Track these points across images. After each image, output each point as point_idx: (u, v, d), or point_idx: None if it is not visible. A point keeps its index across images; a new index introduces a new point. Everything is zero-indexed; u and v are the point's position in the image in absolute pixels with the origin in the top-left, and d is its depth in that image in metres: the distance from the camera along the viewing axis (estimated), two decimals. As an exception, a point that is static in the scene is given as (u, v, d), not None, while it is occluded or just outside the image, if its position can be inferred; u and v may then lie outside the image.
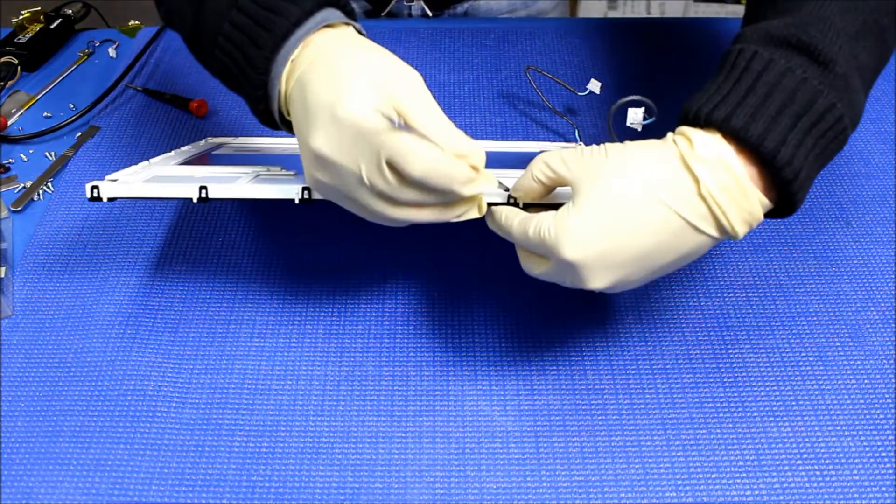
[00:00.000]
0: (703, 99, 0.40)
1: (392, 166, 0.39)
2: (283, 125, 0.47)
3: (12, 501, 0.44)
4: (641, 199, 0.38)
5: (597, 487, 0.44)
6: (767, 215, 0.42)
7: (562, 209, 0.40)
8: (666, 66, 0.72)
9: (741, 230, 0.39)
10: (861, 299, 0.53)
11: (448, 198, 0.41)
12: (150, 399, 0.49)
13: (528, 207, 0.44)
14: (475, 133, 0.66)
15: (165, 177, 0.48)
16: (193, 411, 0.48)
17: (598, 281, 0.39)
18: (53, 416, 0.48)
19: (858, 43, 0.41)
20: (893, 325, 0.52)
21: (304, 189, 0.44)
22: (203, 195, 0.44)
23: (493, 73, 0.72)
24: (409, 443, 0.47)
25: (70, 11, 0.79)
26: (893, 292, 0.54)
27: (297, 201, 0.44)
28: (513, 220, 0.42)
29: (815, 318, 0.52)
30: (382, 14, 0.80)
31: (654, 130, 0.49)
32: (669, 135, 0.41)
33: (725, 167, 0.38)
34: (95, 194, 0.45)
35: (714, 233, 0.39)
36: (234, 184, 0.45)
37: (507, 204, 0.44)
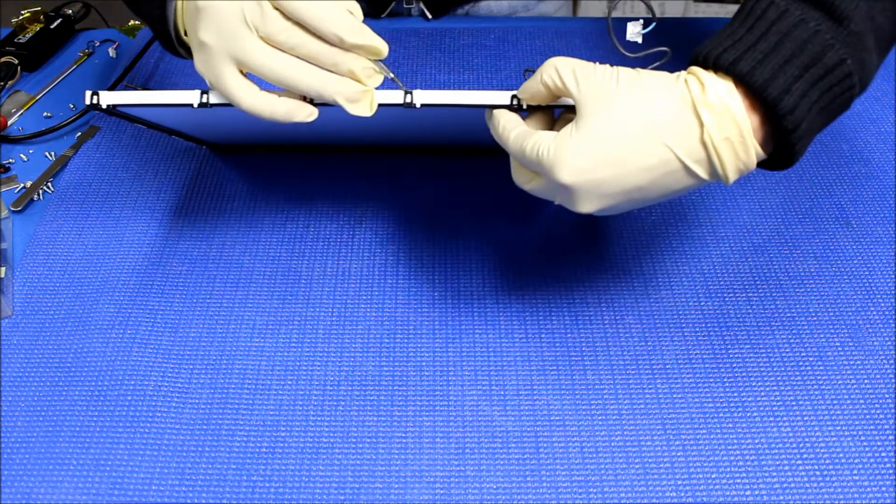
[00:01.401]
0: (714, 42, 0.40)
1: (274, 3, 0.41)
2: (181, 48, 0.49)
3: (12, 501, 0.44)
4: (644, 136, 0.39)
5: (597, 487, 0.44)
6: (763, 166, 0.43)
7: (563, 130, 0.40)
8: (666, 66, 0.72)
9: (733, 178, 0.40)
10: (861, 299, 0.53)
11: (332, 57, 0.42)
12: (150, 399, 0.49)
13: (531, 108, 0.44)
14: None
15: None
16: (193, 411, 0.48)
17: (587, 206, 0.41)
18: (53, 416, 0.48)
19: (877, 4, 0.40)
20: (893, 325, 0.52)
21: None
22: (204, 100, 0.45)
23: (493, 73, 0.72)
24: (409, 443, 0.47)
25: (70, 11, 0.79)
26: (893, 292, 0.54)
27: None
28: (510, 132, 0.43)
29: (815, 318, 0.52)
30: (382, 16, 0.80)
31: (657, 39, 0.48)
32: (682, 73, 0.41)
33: (731, 117, 0.39)
34: (95, 101, 0.46)
35: (707, 177, 0.40)
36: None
37: (511, 108, 0.44)
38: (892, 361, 0.50)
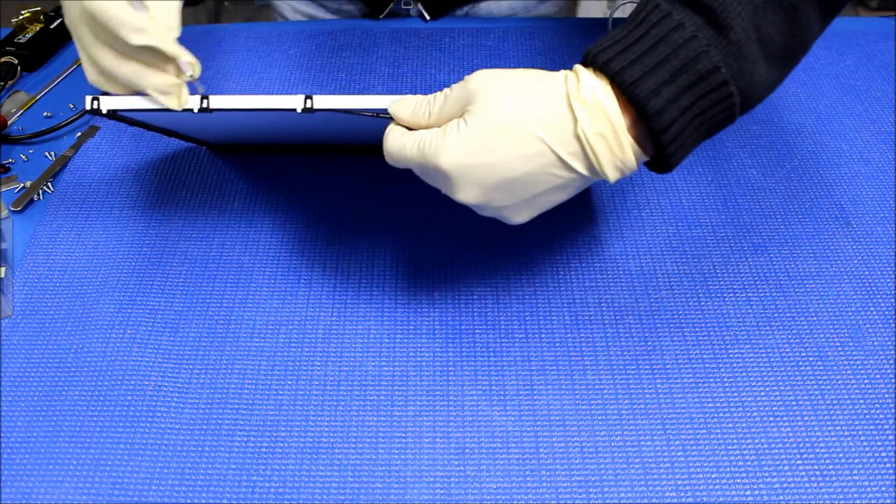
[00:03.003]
0: (599, 42, 0.41)
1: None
2: None
3: (12, 501, 0.44)
4: (520, 127, 0.40)
5: (597, 487, 0.44)
6: (649, 166, 0.44)
7: (450, 123, 0.42)
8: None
9: (612, 175, 0.41)
10: (861, 299, 0.53)
11: (138, 55, 0.46)
12: (150, 399, 0.49)
13: None
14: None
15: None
16: (193, 411, 0.48)
17: (466, 194, 0.42)
18: (53, 416, 0.48)
19: (765, 15, 0.40)
20: (893, 325, 0.52)
21: (305, 98, 0.45)
22: (204, 105, 0.46)
23: (493, 73, 0.72)
24: (409, 443, 0.47)
25: (70, 11, 0.79)
26: (893, 292, 0.54)
27: (299, 111, 0.45)
28: (388, 135, 0.45)
29: (815, 318, 0.52)
30: (381, 16, 0.80)
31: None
32: (563, 71, 0.42)
33: (603, 113, 0.40)
34: (95, 106, 0.47)
35: (585, 171, 0.41)
36: (234, 94, 0.46)
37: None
38: (892, 361, 0.50)
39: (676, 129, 0.40)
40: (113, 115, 0.48)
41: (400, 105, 0.44)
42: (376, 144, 0.47)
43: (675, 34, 0.39)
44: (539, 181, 0.41)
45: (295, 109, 0.45)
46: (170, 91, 0.46)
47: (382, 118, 0.45)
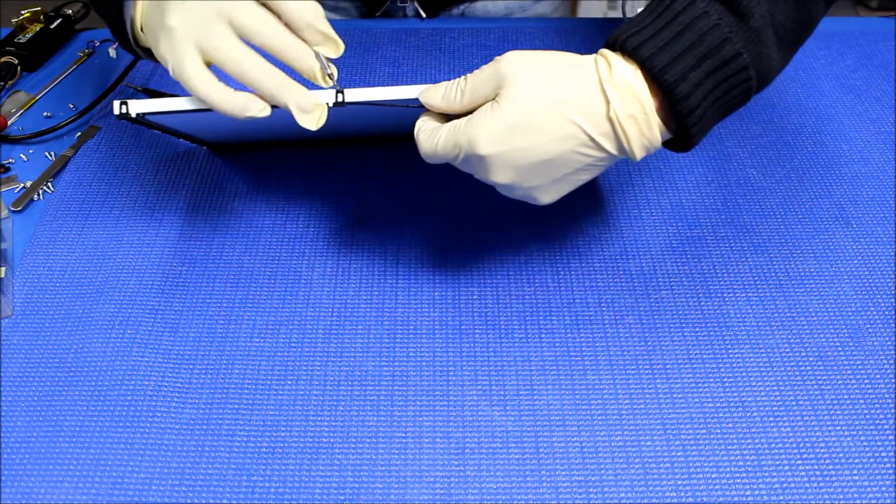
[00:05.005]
0: (624, 28, 0.43)
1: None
2: (139, 49, 0.51)
3: (12, 501, 0.44)
4: (554, 110, 0.42)
5: (597, 487, 0.44)
6: (668, 145, 0.46)
7: (481, 108, 0.43)
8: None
9: (639, 154, 0.43)
10: (861, 299, 0.53)
11: (295, 51, 0.44)
12: (150, 399, 0.49)
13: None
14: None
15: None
16: (193, 411, 0.48)
17: (501, 176, 0.43)
18: (53, 416, 0.48)
19: (778, 4, 0.43)
20: (893, 325, 0.52)
21: (337, 92, 0.45)
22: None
23: (493, 73, 0.72)
24: (409, 443, 0.47)
25: (70, 11, 0.79)
26: (893, 292, 0.54)
27: (330, 105, 0.45)
28: (419, 131, 0.46)
29: (815, 318, 0.52)
30: (377, 15, 0.80)
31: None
32: (594, 56, 0.44)
33: (635, 96, 0.42)
34: (124, 110, 0.46)
35: (614, 151, 0.43)
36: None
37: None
38: (892, 361, 0.50)
39: (700, 111, 0.43)
40: (141, 119, 0.48)
41: (430, 93, 0.45)
42: (396, 133, 0.47)
43: (700, 22, 0.42)
44: (571, 161, 0.43)
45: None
46: (310, 110, 0.45)
47: (412, 108, 0.46)
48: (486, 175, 0.44)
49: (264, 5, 0.44)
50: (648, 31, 0.42)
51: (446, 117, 0.46)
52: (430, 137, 0.45)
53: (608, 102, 0.42)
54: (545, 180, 0.44)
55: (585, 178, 0.45)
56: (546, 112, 0.42)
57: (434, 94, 0.45)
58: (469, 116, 0.43)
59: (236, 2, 0.43)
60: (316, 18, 0.44)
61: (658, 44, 0.42)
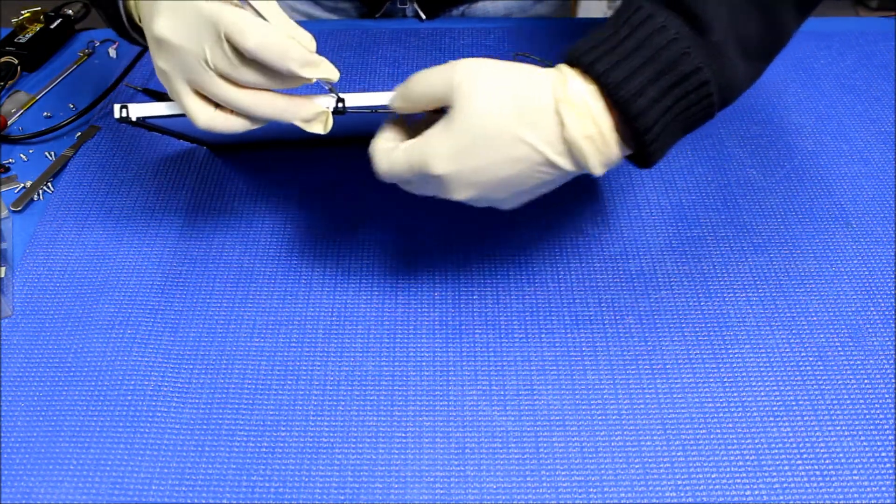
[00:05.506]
0: (582, 41, 0.42)
1: (231, 43, 0.41)
2: (135, 32, 0.51)
3: (12, 501, 0.44)
4: (510, 130, 0.40)
5: (597, 487, 0.44)
6: (631, 161, 0.45)
7: (434, 126, 0.42)
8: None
9: (599, 171, 0.42)
10: (861, 299, 0.53)
11: (290, 84, 0.43)
12: (150, 399, 0.49)
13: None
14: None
15: None
16: (193, 411, 0.48)
17: (461, 194, 0.43)
18: (53, 416, 0.48)
19: (743, 15, 0.42)
20: (893, 325, 0.52)
21: (338, 101, 0.45)
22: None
23: (493, 73, 0.72)
24: (409, 443, 0.47)
25: (70, 11, 0.79)
26: (893, 292, 0.54)
27: (331, 110, 0.46)
28: (375, 150, 0.45)
29: (815, 318, 0.52)
30: (377, 15, 0.80)
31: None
32: (551, 71, 0.42)
33: (591, 116, 0.40)
34: (124, 114, 0.46)
35: (572, 168, 0.42)
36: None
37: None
38: (892, 361, 0.50)
39: (658, 128, 0.41)
40: (141, 122, 0.48)
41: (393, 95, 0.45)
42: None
43: (657, 36, 0.40)
44: (529, 178, 0.42)
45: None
46: (315, 118, 0.45)
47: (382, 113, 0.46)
48: (445, 194, 0.43)
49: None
50: (606, 45, 0.41)
51: (406, 133, 0.46)
52: (386, 157, 0.44)
53: (563, 123, 0.40)
54: (506, 194, 0.43)
55: (548, 189, 0.44)
56: (501, 132, 0.40)
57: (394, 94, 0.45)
58: (422, 135, 0.42)
59: (225, 58, 0.42)
60: (304, 70, 0.42)
61: (614, 59, 0.40)
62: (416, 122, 0.47)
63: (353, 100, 0.46)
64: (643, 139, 0.41)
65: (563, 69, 0.42)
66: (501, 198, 0.44)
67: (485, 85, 0.41)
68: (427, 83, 0.42)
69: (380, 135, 0.46)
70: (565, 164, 0.41)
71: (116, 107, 0.46)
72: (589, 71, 0.41)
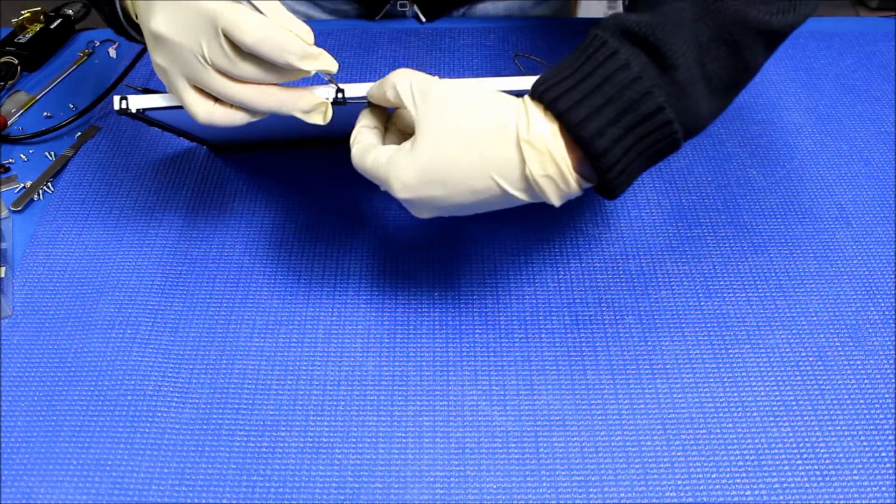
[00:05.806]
0: (546, 75, 0.41)
1: (228, 39, 0.41)
2: (132, 30, 0.51)
3: (12, 501, 0.44)
4: (471, 165, 0.41)
5: (597, 487, 0.44)
6: (595, 190, 0.44)
7: (401, 147, 0.42)
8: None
9: (558, 204, 0.42)
10: (861, 299, 0.53)
11: (289, 77, 0.43)
12: (150, 399, 0.49)
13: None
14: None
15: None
16: (193, 411, 0.48)
17: (423, 215, 0.44)
18: (53, 416, 0.48)
19: (710, 52, 0.41)
20: (893, 325, 0.52)
21: (337, 91, 0.46)
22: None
23: (494, 73, 0.72)
24: (409, 443, 0.47)
25: (70, 11, 0.79)
26: (893, 292, 0.54)
27: (330, 101, 0.46)
28: (353, 143, 0.45)
29: (815, 318, 0.52)
30: (377, 17, 0.80)
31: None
32: (518, 103, 0.42)
33: (550, 157, 0.40)
34: (124, 106, 0.46)
35: (532, 201, 0.42)
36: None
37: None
38: (892, 361, 0.50)
39: (620, 167, 0.41)
40: (141, 114, 0.48)
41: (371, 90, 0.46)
42: None
43: (620, 74, 0.39)
44: (490, 205, 0.43)
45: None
46: (314, 109, 0.45)
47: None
48: (410, 211, 0.44)
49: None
50: (569, 82, 0.40)
51: (384, 120, 0.47)
52: (360, 154, 0.44)
53: (524, 162, 0.40)
54: (468, 213, 0.44)
55: (511, 207, 0.44)
56: (462, 167, 0.41)
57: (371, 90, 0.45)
58: (389, 155, 0.42)
59: (223, 54, 0.42)
60: (303, 62, 0.42)
61: (576, 97, 0.40)
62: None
63: (353, 90, 0.46)
64: (605, 177, 0.41)
65: (528, 103, 0.41)
66: (463, 215, 0.44)
67: (450, 118, 0.41)
68: (397, 95, 0.43)
69: (358, 123, 0.46)
70: (525, 198, 0.42)
71: (116, 98, 0.46)
72: (550, 108, 0.40)
